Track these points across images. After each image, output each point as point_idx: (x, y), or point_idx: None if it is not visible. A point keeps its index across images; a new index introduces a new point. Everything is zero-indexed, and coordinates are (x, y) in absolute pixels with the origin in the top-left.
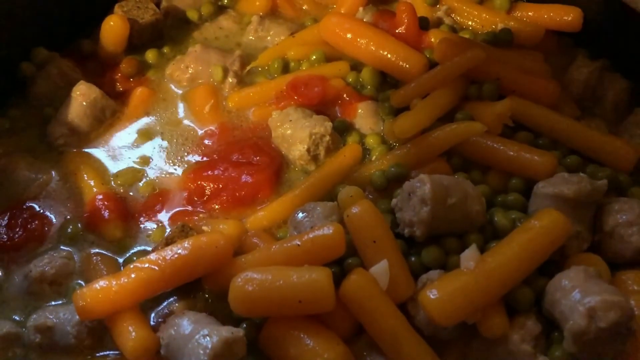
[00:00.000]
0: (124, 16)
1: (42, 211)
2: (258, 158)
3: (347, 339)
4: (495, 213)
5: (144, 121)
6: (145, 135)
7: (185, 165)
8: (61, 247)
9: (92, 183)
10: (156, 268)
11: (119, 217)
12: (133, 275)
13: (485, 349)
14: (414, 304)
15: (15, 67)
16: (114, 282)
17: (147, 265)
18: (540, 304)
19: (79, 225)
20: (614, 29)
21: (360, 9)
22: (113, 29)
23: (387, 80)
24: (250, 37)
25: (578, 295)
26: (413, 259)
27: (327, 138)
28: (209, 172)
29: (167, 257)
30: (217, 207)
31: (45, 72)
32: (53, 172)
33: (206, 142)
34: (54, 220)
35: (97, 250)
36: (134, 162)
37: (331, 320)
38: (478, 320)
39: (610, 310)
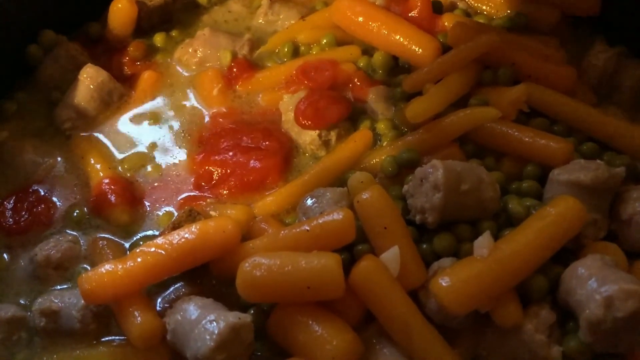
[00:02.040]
0: None
1: (48, 195)
2: (267, 143)
3: (356, 327)
4: (509, 200)
5: (152, 105)
6: (153, 119)
7: (193, 150)
8: (67, 231)
9: (98, 167)
10: (163, 252)
11: (126, 202)
12: (139, 260)
13: (498, 339)
14: (425, 291)
15: (23, 50)
16: (120, 266)
17: (153, 249)
18: (555, 293)
19: (85, 209)
20: (633, 14)
21: None
22: (121, 12)
23: (399, 64)
24: (260, 21)
25: (595, 283)
26: (424, 246)
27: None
28: (217, 157)
29: (174, 242)
30: (225, 192)
31: (53, 55)
32: (59, 156)
33: (220, 120)
34: (60, 204)
35: (103, 234)
36: (141, 146)
37: (340, 307)
38: (491, 309)
39: (628, 299)
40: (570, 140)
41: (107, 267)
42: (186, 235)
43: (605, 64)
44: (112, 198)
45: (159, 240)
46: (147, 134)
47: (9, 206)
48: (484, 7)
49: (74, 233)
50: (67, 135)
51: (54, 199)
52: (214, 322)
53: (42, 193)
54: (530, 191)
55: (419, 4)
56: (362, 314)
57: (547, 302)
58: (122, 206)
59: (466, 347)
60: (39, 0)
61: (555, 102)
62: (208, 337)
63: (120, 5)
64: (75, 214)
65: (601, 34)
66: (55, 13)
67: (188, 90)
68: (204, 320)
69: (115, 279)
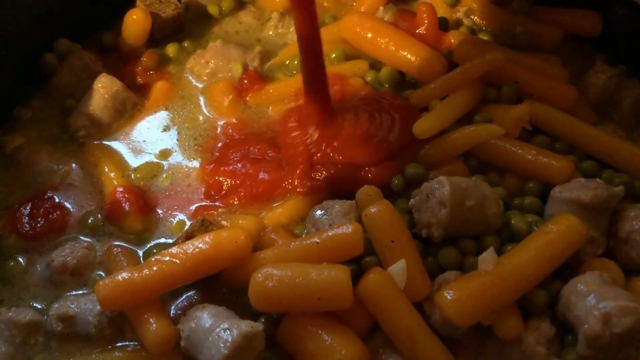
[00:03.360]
0: (147, 10)
1: (63, 202)
2: (273, 154)
3: (362, 336)
4: (512, 216)
5: (164, 114)
6: (165, 128)
7: (204, 160)
8: (81, 237)
9: (112, 175)
10: (177, 261)
11: (139, 210)
12: (155, 268)
13: (499, 350)
14: (430, 303)
15: (38, 58)
16: (136, 274)
17: (168, 258)
18: (554, 307)
19: (99, 216)
20: (633, 34)
21: (381, 8)
22: (136, 23)
23: (405, 79)
24: (270, 33)
25: (593, 300)
26: (429, 259)
27: None
28: (227, 168)
29: (189, 251)
30: (235, 202)
31: (68, 63)
32: (74, 164)
33: (230, 131)
34: (75, 211)
35: (116, 241)
36: (153, 155)
37: (348, 317)
38: (493, 322)
39: (626, 316)
40: (571, 159)
41: (124, 274)
42: (200, 245)
43: (605, 84)
44: (126, 206)
45: (174, 250)
46: (159, 143)
47: (26, 212)
48: (489, 25)
49: (88, 239)
50: (80, 143)
51: (69, 205)
52: (228, 331)
53: (57, 200)
54: (532, 207)
55: (426, 21)
56: (369, 324)
57: (547, 316)
58: (135, 214)
59: (468, 357)
60: (54, 8)
61: (557, 120)
62: (222, 344)
63: (135, 17)
64: (89, 220)
65: (602, 53)
66: (69, 22)
67: (199, 101)
68: (217, 329)
69: (131, 286)
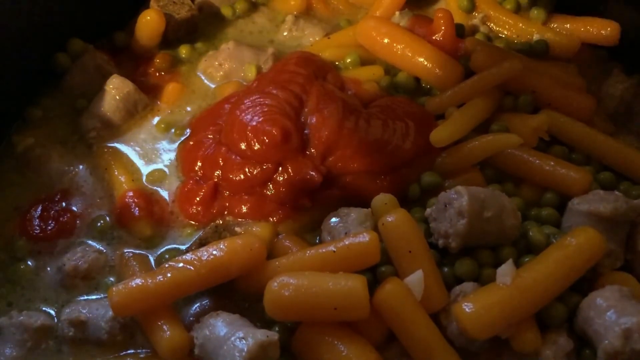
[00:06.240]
0: (160, 11)
1: (73, 204)
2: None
3: (378, 346)
4: (529, 227)
5: (176, 116)
6: (176, 130)
7: None
8: (91, 241)
9: (122, 179)
10: (191, 268)
11: (149, 215)
12: (169, 274)
13: None
14: (447, 314)
15: (50, 57)
16: (150, 280)
17: (182, 264)
18: (572, 321)
19: (109, 220)
20: None
21: (397, 13)
22: (149, 24)
23: (421, 86)
24: (285, 34)
25: (614, 315)
26: (446, 269)
27: None
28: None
29: (203, 258)
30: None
31: (80, 63)
32: (85, 166)
33: None
34: (85, 214)
35: (127, 246)
36: (164, 158)
37: (363, 327)
38: (510, 335)
39: None
40: (589, 170)
41: (137, 280)
42: (214, 252)
43: (622, 94)
44: (136, 211)
45: (188, 256)
46: (170, 146)
47: (36, 214)
48: (505, 32)
49: (96, 243)
50: (90, 144)
51: (79, 208)
52: (243, 340)
53: (68, 202)
54: (550, 219)
55: (443, 27)
56: (384, 334)
57: (565, 329)
58: (145, 219)
59: None
60: (68, 8)
61: (574, 130)
62: (237, 354)
63: (149, 18)
64: (99, 224)
65: (619, 63)
66: (82, 21)
67: (211, 103)
68: (232, 337)
69: (145, 292)
